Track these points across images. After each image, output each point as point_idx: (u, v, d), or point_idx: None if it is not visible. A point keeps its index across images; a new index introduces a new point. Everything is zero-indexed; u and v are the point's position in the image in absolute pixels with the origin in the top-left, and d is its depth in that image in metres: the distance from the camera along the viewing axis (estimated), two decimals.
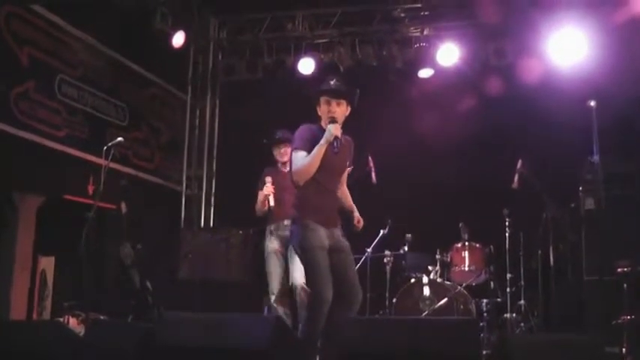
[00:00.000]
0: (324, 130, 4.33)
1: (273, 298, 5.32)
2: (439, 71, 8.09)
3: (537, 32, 7.54)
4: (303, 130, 4.47)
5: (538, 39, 7.59)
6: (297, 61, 8.39)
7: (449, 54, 8.01)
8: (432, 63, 8.11)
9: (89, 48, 7.52)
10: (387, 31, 8.23)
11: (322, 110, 4.44)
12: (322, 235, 4.37)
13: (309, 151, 4.37)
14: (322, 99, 4.42)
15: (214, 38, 9.05)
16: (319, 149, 4.27)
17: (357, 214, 4.64)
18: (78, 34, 7.36)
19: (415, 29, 8.26)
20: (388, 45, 8.20)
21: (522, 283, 6.62)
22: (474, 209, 7.15)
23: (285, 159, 5.35)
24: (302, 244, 4.31)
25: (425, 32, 8.21)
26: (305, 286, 5.00)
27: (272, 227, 5.46)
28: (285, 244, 5.33)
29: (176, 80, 9.05)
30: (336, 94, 4.47)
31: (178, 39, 8.07)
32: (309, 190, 4.42)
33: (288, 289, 5.36)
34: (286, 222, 5.16)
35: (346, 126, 4.53)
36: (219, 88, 9.18)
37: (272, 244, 5.46)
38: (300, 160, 4.33)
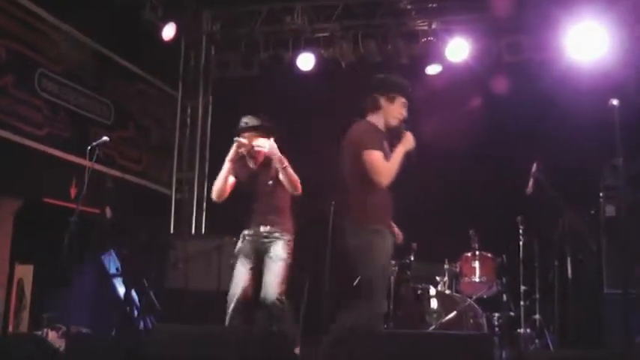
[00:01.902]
0: (382, 130, 4.49)
1: (232, 307, 5.07)
2: (448, 68, 8.12)
3: (555, 26, 7.59)
4: (370, 130, 4.52)
5: (555, 33, 7.63)
6: (296, 56, 8.46)
7: (458, 49, 8.04)
8: (440, 59, 8.14)
9: (72, 40, 7.54)
10: (392, 25, 8.30)
11: (392, 110, 4.55)
12: (390, 243, 4.54)
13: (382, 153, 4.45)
14: (400, 99, 4.54)
15: (207, 31, 9.13)
16: (399, 154, 4.39)
17: (395, 228, 4.74)
18: (60, 25, 7.38)
19: (422, 22, 8.32)
20: (393, 39, 8.27)
21: (537, 296, 6.58)
22: (485, 216, 7.16)
23: (246, 145, 5.23)
24: (370, 253, 4.33)
25: (433, 26, 8.26)
26: (279, 299, 4.99)
27: (246, 232, 5.29)
28: (258, 253, 5.21)
29: (166, 76, 9.10)
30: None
31: (169, 32, 8.14)
32: (378, 195, 4.46)
33: (249, 302, 5.22)
34: (263, 229, 5.17)
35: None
36: (212, 85, 9.25)
37: (244, 248, 5.25)
38: (382, 161, 4.35)
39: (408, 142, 4.40)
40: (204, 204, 9.04)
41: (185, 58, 9.19)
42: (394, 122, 4.49)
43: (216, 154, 8.92)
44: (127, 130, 8.50)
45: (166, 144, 9.20)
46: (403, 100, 4.57)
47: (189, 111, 9.24)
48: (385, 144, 4.49)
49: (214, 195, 5.11)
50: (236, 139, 5.04)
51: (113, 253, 7.16)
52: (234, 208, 5.40)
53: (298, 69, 8.44)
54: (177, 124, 9.25)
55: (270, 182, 5.11)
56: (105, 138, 5.67)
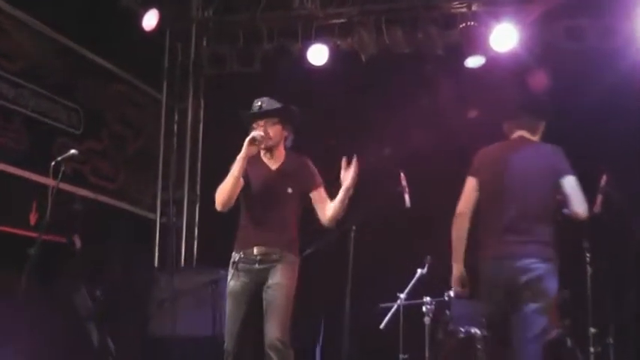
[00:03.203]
0: None
1: (230, 358, 5.15)
2: (492, 59, 8.16)
3: (624, 8, 7.63)
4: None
5: (625, 17, 7.67)
6: (306, 48, 8.50)
7: (505, 36, 8.05)
8: (483, 49, 8.15)
9: (33, 34, 7.50)
10: (423, 7, 8.32)
11: None
12: None
13: None
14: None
15: (197, 19, 9.17)
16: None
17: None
18: (18, 15, 7.33)
19: (460, 5, 8.32)
20: (424, 26, 8.27)
21: (611, 340, 6.48)
22: None
23: (272, 142, 5.29)
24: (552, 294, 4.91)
25: (473, 8, 8.25)
26: (281, 340, 5.02)
27: (240, 256, 5.27)
28: (255, 285, 5.21)
29: (148, 74, 9.14)
30: None
31: (150, 20, 8.20)
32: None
33: (249, 353, 5.35)
34: (258, 251, 5.16)
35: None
36: (204, 85, 9.32)
37: (236, 286, 5.25)
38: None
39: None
40: (196, 230, 9.05)
41: (171, 51, 9.21)
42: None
43: (209, 168, 9.01)
44: (100, 140, 8.49)
45: (149, 156, 9.20)
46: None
47: (176, 116, 9.27)
48: None
49: (220, 201, 5.08)
50: (254, 133, 5.09)
51: (84, 291, 7.09)
52: (234, 233, 5.35)
53: (309, 63, 8.48)
54: (161, 132, 9.23)
55: (291, 190, 5.18)
56: (73, 151, 5.58)
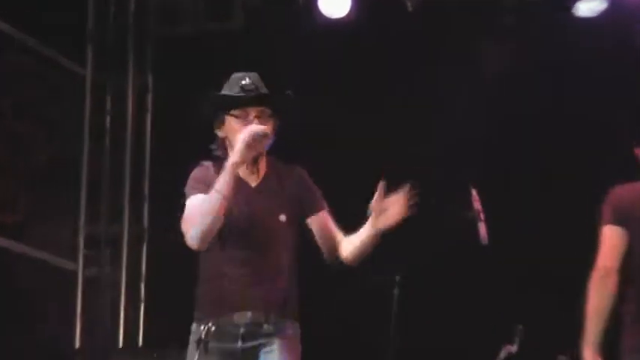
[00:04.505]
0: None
1: None
2: (616, 5, 7.79)
3: None
4: None
5: None
6: None
7: None
8: None
9: None
10: None
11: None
12: None
13: None
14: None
15: None
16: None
17: None
18: None
19: None
20: None
21: None
22: None
23: (267, 145, 5.06)
24: None
25: None
26: None
27: (210, 329, 4.88)
28: None
29: (65, 40, 8.54)
30: None
31: None
32: None
33: None
34: (240, 320, 4.80)
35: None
36: (153, 54, 8.90)
37: None
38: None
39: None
40: (142, 286, 8.44)
41: (97, 2, 8.64)
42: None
43: (163, 185, 8.51)
44: None
45: (66, 169, 8.58)
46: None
47: (108, 103, 8.61)
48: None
49: (202, 232, 4.72)
50: (252, 128, 4.72)
51: None
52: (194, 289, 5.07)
53: (322, 16, 8.06)
54: (85, 128, 8.52)
55: (284, 217, 4.89)
56: None
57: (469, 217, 5.45)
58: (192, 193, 4.85)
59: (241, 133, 4.80)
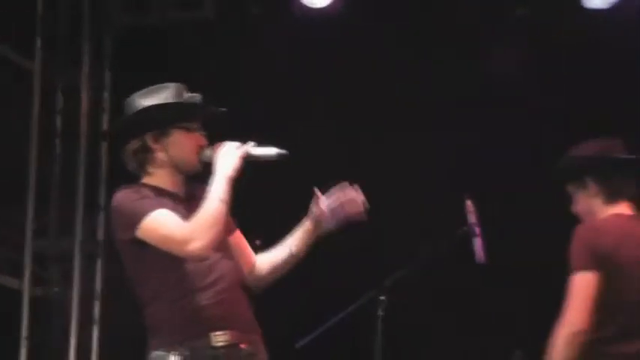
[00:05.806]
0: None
1: None
2: None
3: None
4: None
5: None
6: None
7: None
8: None
9: None
10: None
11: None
12: None
13: None
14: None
15: None
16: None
17: None
18: None
19: None
20: None
21: None
22: None
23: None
24: None
25: None
26: None
27: (185, 355, 4.54)
28: None
29: (9, 28, 8.24)
30: None
31: None
32: None
33: None
34: (214, 340, 4.54)
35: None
36: (111, 45, 8.69)
37: None
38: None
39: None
40: (96, 307, 8.23)
41: None
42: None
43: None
44: None
45: (10, 176, 8.26)
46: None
47: (60, 101, 8.40)
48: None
49: (210, 237, 4.49)
50: (246, 150, 4.55)
51: None
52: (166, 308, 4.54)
53: (302, 6, 8.06)
54: (32, 129, 8.24)
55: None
56: None
57: (462, 231, 5.35)
58: (151, 209, 4.40)
59: (224, 147, 4.56)
